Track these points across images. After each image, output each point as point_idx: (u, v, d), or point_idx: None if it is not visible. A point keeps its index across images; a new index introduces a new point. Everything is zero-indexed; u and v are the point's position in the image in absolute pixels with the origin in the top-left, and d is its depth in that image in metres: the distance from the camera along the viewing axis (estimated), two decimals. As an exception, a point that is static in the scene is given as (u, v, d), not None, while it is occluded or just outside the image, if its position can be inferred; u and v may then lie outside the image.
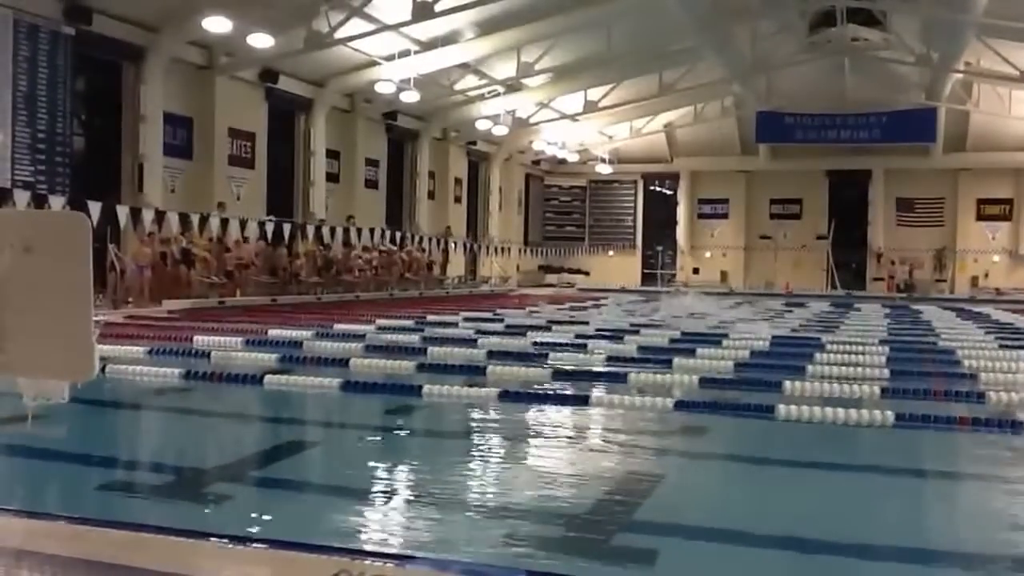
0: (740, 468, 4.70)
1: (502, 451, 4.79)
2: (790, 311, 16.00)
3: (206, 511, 3.46)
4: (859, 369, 7.37)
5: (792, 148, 27.21)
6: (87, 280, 2.29)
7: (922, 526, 3.64)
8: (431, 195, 23.51)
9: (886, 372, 7.27)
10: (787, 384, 6.42)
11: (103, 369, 5.90)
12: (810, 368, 7.36)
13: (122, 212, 13.25)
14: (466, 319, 12.36)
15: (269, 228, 16.36)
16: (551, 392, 6.31)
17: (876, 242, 27.73)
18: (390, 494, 3.78)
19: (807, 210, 28.63)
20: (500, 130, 23.27)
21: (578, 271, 29.46)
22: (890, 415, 5.33)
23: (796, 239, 28.09)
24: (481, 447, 4.95)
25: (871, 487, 4.19)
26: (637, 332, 10.45)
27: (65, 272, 2.27)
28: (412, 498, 3.71)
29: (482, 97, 21.91)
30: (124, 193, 14.55)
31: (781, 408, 5.50)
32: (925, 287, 25.04)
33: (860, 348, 8.85)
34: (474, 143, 25.04)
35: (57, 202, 12.27)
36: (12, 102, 12.36)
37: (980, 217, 27.09)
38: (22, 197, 11.87)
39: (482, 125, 22.77)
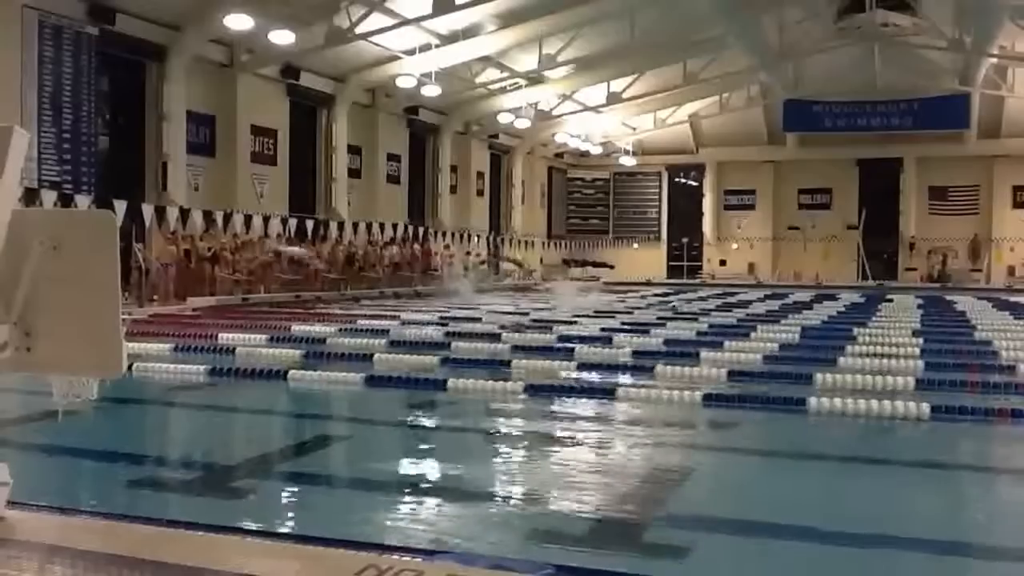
0: (771, 463, 4.60)
1: (528, 445, 4.74)
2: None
3: (234, 507, 3.46)
4: (893, 361, 7.20)
5: (821, 137, 26.69)
6: (115, 278, 2.28)
7: (958, 521, 3.54)
8: (453, 189, 23.50)
9: (920, 364, 7.10)
10: (818, 377, 6.30)
11: (130, 367, 5.96)
12: (842, 360, 7.21)
13: (147, 211, 13.43)
14: (490, 312, 12.33)
15: (292, 225, 16.50)
16: (577, 386, 6.25)
17: (908, 231, 27.16)
18: (417, 489, 3.75)
19: (837, 200, 28.12)
20: (522, 123, 23.16)
21: (603, 264, 29.29)
22: (926, 408, 5.20)
23: (826, 229, 27.60)
24: (507, 441, 4.91)
25: (907, 481, 4.08)
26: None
27: (93, 270, 2.26)
28: (439, 493, 3.68)
29: (504, 90, 21.81)
30: (148, 192, 14.72)
31: (813, 401, 5.39)
32: (960, 277, 24.49)
33: (893, 339, 8.66)
34: (496, 136, 24.96)
35: (83, 201, 12.45)
36: (37, 102, 12.54)
37: (1016, 205, 26.36)
38: (49, 197, 12.07)
39: (504, 118, 22.68)
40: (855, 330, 9.65)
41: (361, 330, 9.75)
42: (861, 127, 25.95)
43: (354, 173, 19.63)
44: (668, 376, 6.49)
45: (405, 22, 16.40)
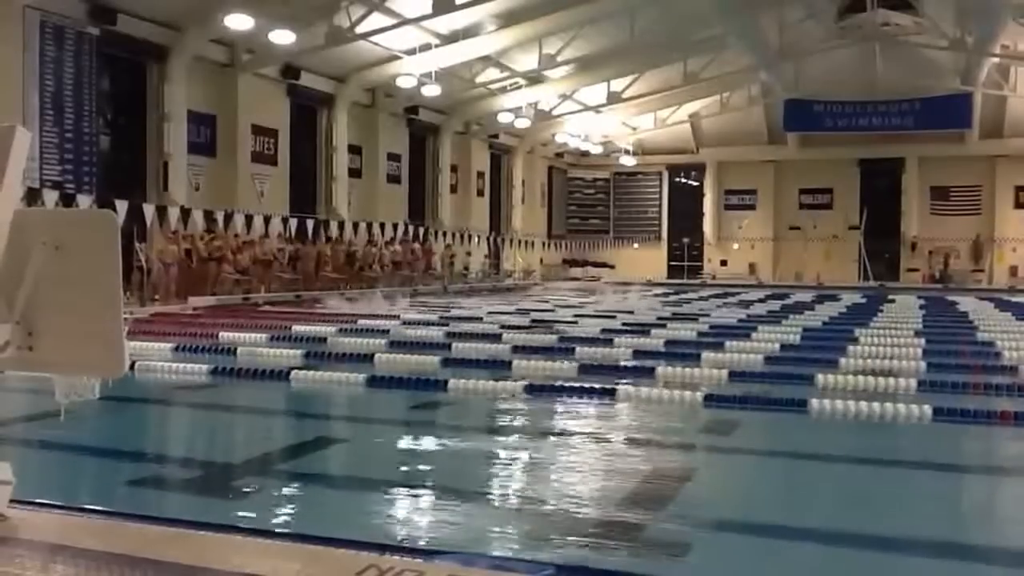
0: (772, 464, 4.60)
1: (529, 446, 4.74)
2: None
3: (235, 506, 3.46)
4: (894, 362, 7.19)
5: (822, 136, 26.68)
6: (116, 277, 2.28)
7: (960, 523, 3.54)
8: (453, 189, 23.50)
9: (922, 365, 7.09)
10: (820, 378, 6.29)
11: (132, 366, 5.96)
12: (843, 361, 7.20)
13: (148, 210, 13.44)
14: (490, 313, 12.32)
15: (292, 224, 16.51)
16: (577, 386, 6.25)
17: (910, 232, 27.14)
18: (418, 489, 3.75)
19: (838, 200, 28.09)
20: (522, 123, 23.17)
21: (603, 264, 29.29)
22: (928, 409, 5.19)
23: (827, 229, 27.59)
24: (508, 442, 4.91)
25: (908, 483, 4.07)
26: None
27: (95, 270, 2.26)
28: (440, 493, 3.68)
29: (504, 90, 21.81)
30: (150, 191, 14.74)
31: (814, 402, 5.38)
32: (962, 277, 24.46)
33: (895, 340, 8.65)
34: (496, 136, 24.97)
35: (85, 201, 12.46)
36: (39, 102, 12.55)
37: (1019, 205, 26.33)
38: (50, 196, 12.07)
39: (504, 118, 22.68)
40: (856, 331, 9.63)
41: (361, 330, 9.76)
42: (862, 127, 25.93)
43: (354, 173, 19.64)
44: (669, 377, 6.48)
45: (405, 22, 16.40)
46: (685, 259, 29.39)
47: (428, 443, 4.96)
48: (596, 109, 24.55)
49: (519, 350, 7.91)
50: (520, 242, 26.23)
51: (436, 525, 3.23)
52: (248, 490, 3.77)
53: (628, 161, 28.99)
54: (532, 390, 5.93)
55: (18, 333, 2.29)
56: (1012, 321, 11.66)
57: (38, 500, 2.66)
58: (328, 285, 16.74)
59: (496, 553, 2.79)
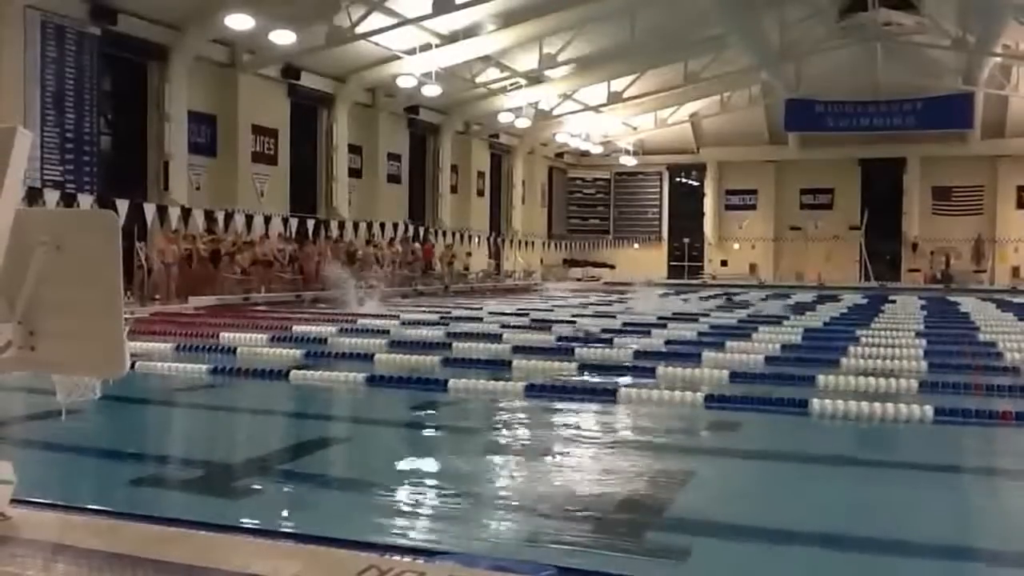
0: (773, 465, 4.59)
1: (530, 447, 4.74)
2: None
3: (236, 506, 3.46)
4: (896, 362, 7.18)
5: (823, 136, 26.67)
6: (117, 277, 2.28)
7: (961, 525, 3.52)
8: (454, 189, 23.52)
9: (924, 365, 7.08)
10: (820, 378, 6.28)
11: (133, 366, 5.95)
12: (844, 362, 7.20)
13: (149, 210, 13.46)
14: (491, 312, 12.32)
15: (293, 224, 16.51)
16: (578, 386, 6.24)
17: (911, 232, 27.13)
18: (418, 490, 3.75)
19: (839, 200, 28.10)
20: (523, 123, 23.18)
21: (603, 264, 29.29)
22: (929, 410, 5.18)
23: (828, 230, 27.59)
24: (508, 443, 4.90)
25: (909, 485, 4.07)
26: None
27: (96, 269, 2.26)
28: (440, 494, 3.68)
29: (504, 90, 21.81)
30: (150, 191, 14.76)
31: (815, 403, 5.38)
32: (963, 278, 24.46)
33: (896, 341, 8.65)
34: (496, 136, 24.98)
35: (86, 200, 12.49)
36: (40, 102, 12.57)
37: (1021, 205, 26.33)
38: (51, 196, 12.09)
39: (504, 118, 22.69)
40: (857, 331, 9.63)
41: (361, 330, 9.76)
42: (863, 127, 25.93)
43: (355, 173, 19.65)
44: (670, 377, 6.48)
45: (405, 22, 16.41)
46: (685, 259, 29.39)
47: (428, 443, 4.96)
48: (596, 109, 24.54)
49: (519, 350, 7.91)
50: (520, 242, 26.24)
51: (436, 525, 3.22)
52: (249, 490, 3.77)
53: (628, 161, 28.99)
54: (532, 390, 5.93)
55: (19, 333, 2.29)
56: (1014, 322, 11.65)
57: (39, 499, 2.66)
58: (328, 285, 16.71)
59: (496, 554, 2.78)
